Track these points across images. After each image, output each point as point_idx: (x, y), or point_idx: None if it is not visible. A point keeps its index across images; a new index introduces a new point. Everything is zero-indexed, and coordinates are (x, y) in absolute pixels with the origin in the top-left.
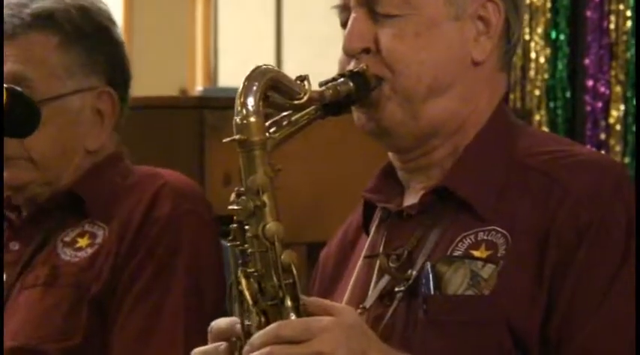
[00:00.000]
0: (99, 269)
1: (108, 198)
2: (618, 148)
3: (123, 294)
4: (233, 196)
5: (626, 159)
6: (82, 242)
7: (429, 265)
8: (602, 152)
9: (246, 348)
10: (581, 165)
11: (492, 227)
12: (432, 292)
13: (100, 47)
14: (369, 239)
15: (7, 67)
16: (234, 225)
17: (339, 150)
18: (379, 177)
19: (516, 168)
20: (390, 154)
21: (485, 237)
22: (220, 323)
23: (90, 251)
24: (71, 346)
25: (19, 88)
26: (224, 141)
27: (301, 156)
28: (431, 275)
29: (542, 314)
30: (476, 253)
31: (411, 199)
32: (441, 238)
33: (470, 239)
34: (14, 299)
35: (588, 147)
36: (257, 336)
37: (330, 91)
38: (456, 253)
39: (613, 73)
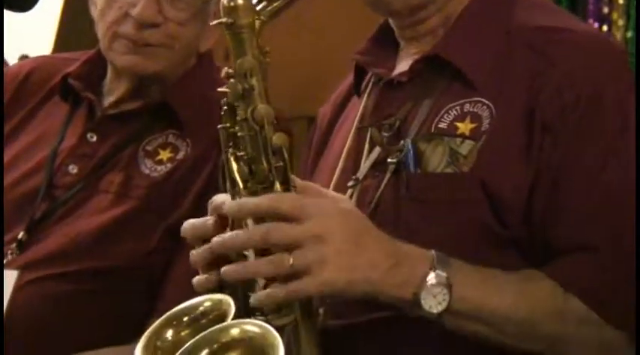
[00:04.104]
0: (178, 192)
1: (197, 112)
2: (621, 22)
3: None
4: (223, 75)
5: (629, 34)
6: (164, 155)
7: (409, 142)
8: (605, 28)
9: (233, 206)
10: (575, 43)
11: (478, 98)
12: (413, 170)
13: None
14: (361, 104)
15: None
16: (225, 107)
17: (336, 22)
18: (372, 39)
19: (510, 41)
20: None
21: (470, 109)
22: (218, 198)
23: (170, 166)
24: (139, 263)
25: None
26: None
27: (297, 29)
28: (411, 153)
29: (527, 193)
30: (460, 125)
31: (403, 66)
32: (432, 109)
33: (456, 110)
34: (85, 198)
35: (590, 21)
36: (251, 200)
37: None
38: (441, 125)
39: None
